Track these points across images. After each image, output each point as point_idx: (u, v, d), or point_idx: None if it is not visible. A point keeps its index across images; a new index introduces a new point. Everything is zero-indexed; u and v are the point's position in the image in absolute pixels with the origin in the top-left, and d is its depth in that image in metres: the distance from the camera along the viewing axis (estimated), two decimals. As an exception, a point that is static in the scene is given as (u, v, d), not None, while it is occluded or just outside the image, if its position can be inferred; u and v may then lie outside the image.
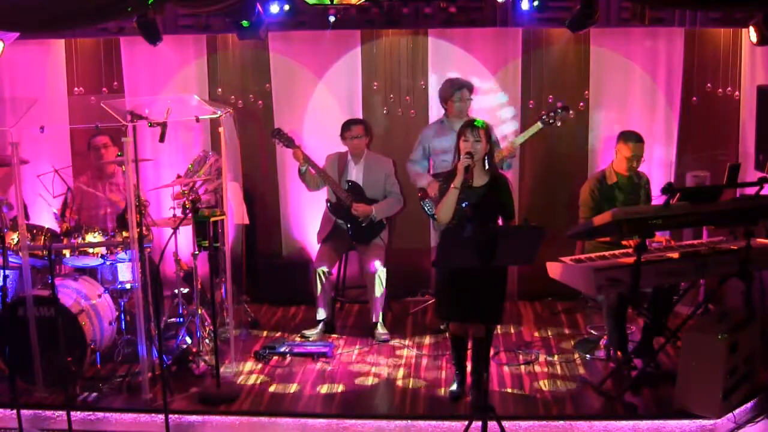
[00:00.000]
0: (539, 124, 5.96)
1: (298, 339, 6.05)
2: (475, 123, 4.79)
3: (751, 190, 5.20)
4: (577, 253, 5.46)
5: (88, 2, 5.03)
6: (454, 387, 5.03)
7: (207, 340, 5.65)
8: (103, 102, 5.10)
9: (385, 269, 6.02)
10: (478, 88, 6.30)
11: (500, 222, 4.87)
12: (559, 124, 6.01)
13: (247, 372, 5.46)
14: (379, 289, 6.01)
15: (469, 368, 5.08)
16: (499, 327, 6.10)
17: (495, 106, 6.69)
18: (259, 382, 5.30)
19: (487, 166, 4.79)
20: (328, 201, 6.25)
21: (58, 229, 5.47)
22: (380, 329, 6.05)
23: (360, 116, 6.73)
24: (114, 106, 5.03)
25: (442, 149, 6.00)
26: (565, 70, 6.69)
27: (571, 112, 6.34)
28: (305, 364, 5.55)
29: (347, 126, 6.16)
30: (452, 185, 4.70)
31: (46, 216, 6.10)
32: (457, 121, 5.94)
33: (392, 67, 6.75)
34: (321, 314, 6.12)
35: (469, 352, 5.13)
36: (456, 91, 5.97)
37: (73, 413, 4.66)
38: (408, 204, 6.38)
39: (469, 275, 4.41)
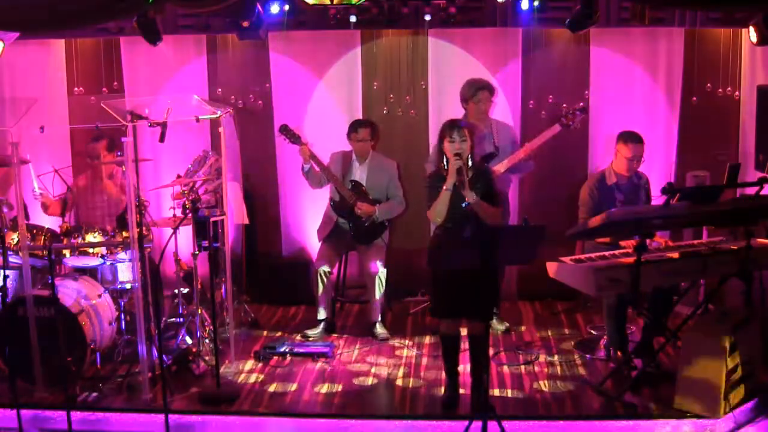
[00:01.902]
0: (557, 126, 5.91)
1: (298, 338, 6.05)
2: (458, 122, 4.81)
3: (751, 190, 5.20)
4: (577, 253, 5.47)
5: (88, 2, 5.03)
6: (445, 393, 5.00)
7: (207, 340, 5.65)
8: (103, 102, 5.10)
9: (385, 270, 6.02)
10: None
11: None
12: (578, 126, 5.98)
13: (247, 372, 5.46)
14: (379, 290, 6.01)
15: (463, 369, 5.08)
16: (500, 327, 6.13)
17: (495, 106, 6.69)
18: (259, 382, 5.30)
19: (470, 164, 4.79)
20: (331, 199, 6.25)
21: (57, 229, 5.49)
22: (379, 328, 6.05)
23: (360, 116, 6.71)
24: (114, 106, 5.03)
25: None
26: (565, 70, 6.68)
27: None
28: (305, 364, 5.55)
29: (354, 128, 6.15)
30: (444, 187, 4.71)
31: (46, 216, 6.10)
32: (476, 120, 5.93)
33: (392, 67, 6.75)
34: (322, 314, 6.12)
35: (465, 353, 5.13)
36: (477, 91, 5.93)
37: (73, 413, 4.65)
38: (409, 205, 6.37)
39: (464, 272, 4.42)
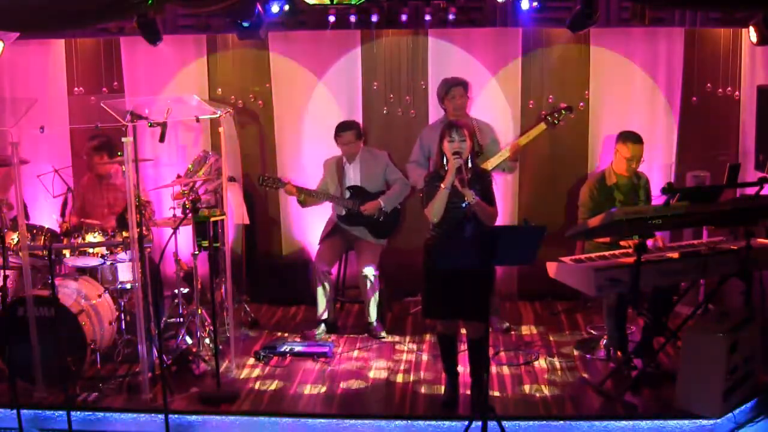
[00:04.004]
0: (543, 125, 5.95)
1: (298, 339, 6.05)
2: (458, 122, 4.82)
3: (751, 190, 5.20)
4: (577, 253, 5.47)
5: (88, 3, 5.03)
6: (445, 393, 5.00)
7: (207, 340, 5.65)
8: (103, 102, 5.10)
9: (377, 272, 6.00)
10: (473, 86, 6.28)
11: None
12: (562, 124, 6.01)
13: (247, 372, 5.46)
14: (372, 292, 6.00)
15: (463, 369, 5.08)
16: (500, 327, 6.13)
17: (494, 106, 6.69)
18: (259, 382, 5.30)
19: (470, 165, 4.80)
20: (337, 216, 6.24)
21: (58, 229, 5.48)
22: (375, 326, 6.06)
23: (360, 116, 6.73)
24: (114, 106, 5.03)
25: None
26: (565, 70, 6.68)
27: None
28: (305, 364, 5.55)
29: (338, 132, 6.15)
30: (442, 185, 4.72)
31: (46, 216, 6.10)
32: (457, 119, 5.94)
33: (392, 67, 6.75)
34: (323, 314, 6.12)
35: (463, 354, 5.13)
36: (450, 88, 6.02)
37: (73, 413, 4.66)
38: (408, 204, 6.37)
39: (460, 272, 4.41)
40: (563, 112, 5.95)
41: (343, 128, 6.17)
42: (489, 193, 4.85)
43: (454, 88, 6.02)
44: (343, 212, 6.20)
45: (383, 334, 6.05)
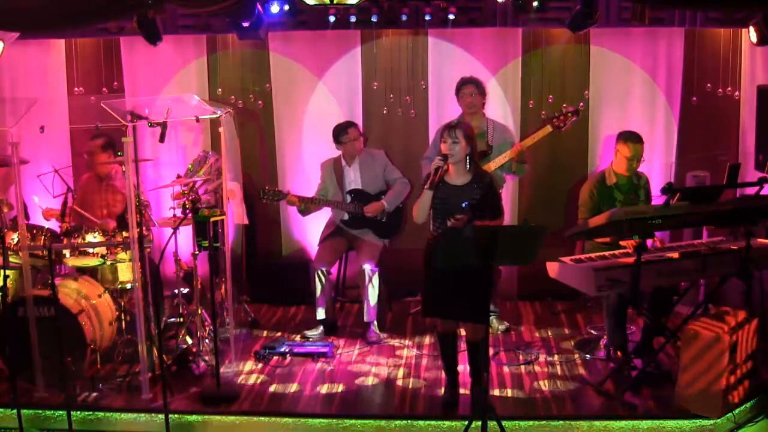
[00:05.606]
0: (549, 128, 5.92)
1: (298, 339, 6.05)
2: (455, 125, 4.83)
3: (751, 190, 5.20)
4: (577, 253, 5.47)
5: (87, 3, 5.03)
6: (445, 393, 5.01)
7: (207, 340, 5.65)
8: (103, 102, 5.10)
9: (377, 269, 6.00)
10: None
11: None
12: (569, 128, 6.00)
13: (247, 372, 5.46)
14: (371, 290, 5.99)
15: (463, 369, 5.08)
16: (500, 327, 6.13)
17: (494, 106, 6.68)
18: (259, 382, 5.30)
19: (468, 166, 4.80)
20: (341, 221, 6.23)
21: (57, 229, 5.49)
22: (372, 329, 6.03)
23: (360, 116, 6.74)
24: (114, 106, 5.03)
25: None
26: (565, 70, 6.68)
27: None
28: (305, 364, 5.55)
29: (343, 130, 6.13)
30: (425, 187, 4.74)
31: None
32: (470, 118, 5.95)
33: (392, 67, 6.75)
34: (321, 314, 6.10)
35: (463, 354, 5.13)
36: (462, 86, 6.03)
37: (73, 413, 4.66)
38: (409, 203, 6.37)
39: (460, 272, 4.42)
40: (569, 115, 5.93)
41: (344, 127, 6.16)
42: (490, 198, 4.83)
43: (465, 86, 6.02)
44: (346, 217, 6.19)
45: (376, 337, 6.00)
